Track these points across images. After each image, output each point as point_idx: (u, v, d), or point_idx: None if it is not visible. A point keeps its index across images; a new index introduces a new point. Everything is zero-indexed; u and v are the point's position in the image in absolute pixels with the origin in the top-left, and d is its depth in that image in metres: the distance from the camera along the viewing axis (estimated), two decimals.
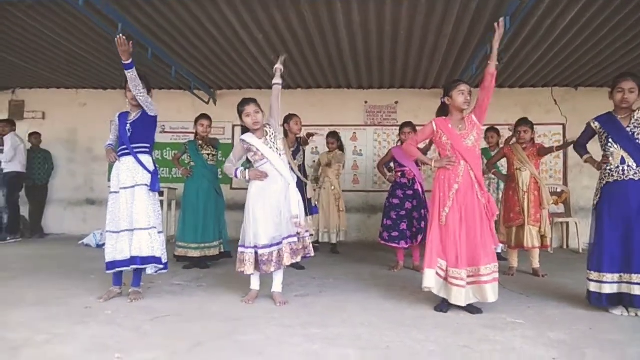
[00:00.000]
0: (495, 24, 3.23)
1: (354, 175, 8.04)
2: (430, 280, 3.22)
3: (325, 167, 6.18)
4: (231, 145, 7.96)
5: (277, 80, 3.54)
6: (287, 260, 3.34)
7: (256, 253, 3.38)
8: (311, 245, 3.53)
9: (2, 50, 6.25)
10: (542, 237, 4.70)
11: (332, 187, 6.22)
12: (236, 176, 3.52)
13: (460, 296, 3.14)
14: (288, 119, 5.10)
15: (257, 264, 3.37)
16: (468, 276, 3.17)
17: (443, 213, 3.26)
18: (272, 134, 3.48)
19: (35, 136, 7.90)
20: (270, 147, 3.45)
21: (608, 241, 3.23)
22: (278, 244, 3.37)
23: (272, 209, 3.38)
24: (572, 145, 4.11)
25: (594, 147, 3.55)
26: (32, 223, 7.83)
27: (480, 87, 3.25)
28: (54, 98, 8.46)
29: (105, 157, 3.69)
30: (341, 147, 6.35)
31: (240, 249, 3.44)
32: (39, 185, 7.89)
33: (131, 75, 3.32)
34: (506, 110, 7.29)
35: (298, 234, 3.41)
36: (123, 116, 3.61)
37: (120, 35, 3.13)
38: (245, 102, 3.48)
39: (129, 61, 3.26)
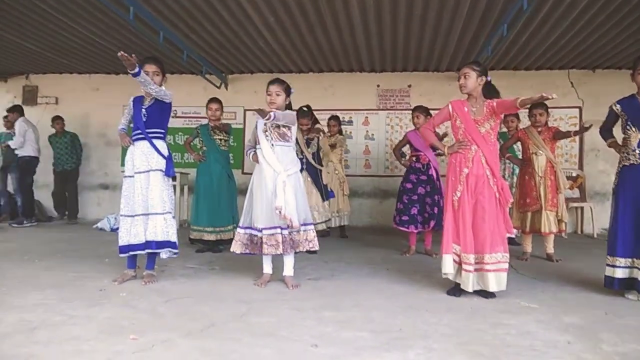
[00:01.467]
0: (549, 95, 2.79)
1: (366, 160, 8.00)
2: (449, 266, 3.20)
3: (329, 151, 6.13)
4: (242, 130, 7.96)
5: (266, 119, 3.28)
6: (280, 251, 3.37)
7: (250, 234, 3.49)
8: (316, 239, 3.51)
9: (16, 35, 6.28)
10: (559, 222, 4.65)
11: (336, 172, 6.18)
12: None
13: (467, 282, 3.12)
14: (299, 116, 5.02)
15: (253, 245, 3.48)
16: (475, 262, 3.15)
17: (455, 197, 3.24)
18: (277, 124, 3.44)
19: (57, 121, 7.78)
20: (266, 136, 3.45)
21: (622, 225, 3.21)
22: (275, 227, 3.38)
23: (266, 194, 3.40)
24: (589, 130, 4.02)
25: (618, 131, 3.48)
26: (63, 207, 7.85)
27: (504, 103, 3.16)
28: (67, 83, 8.50)
29: (118, 142, 3.71)
30: (341, 131, 6.36)
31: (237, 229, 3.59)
32: (68, 170, 7.80)
33: (140, 79, 3.30)
34: (521, 93, 7.01)
35: (289, 226, 3.35)
36: (138, 100, 3.61)
37: (122, 52, 3.13)
38: (271, 81, 3.52)
39: (135, 70, 3.23)
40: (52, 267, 3.99)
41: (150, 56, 3.70)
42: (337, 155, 6.18)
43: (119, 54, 3.11)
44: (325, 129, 6.22)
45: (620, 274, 3.17)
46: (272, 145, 3.44)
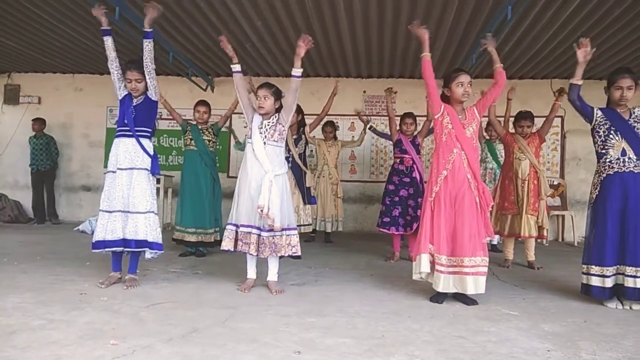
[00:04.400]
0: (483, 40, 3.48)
1: (351, 165, 8.02)
2: (425, 265, 3.22)
3: (327, 155, 6.19)
4: (228, 132, 7.92)
5: (297, 70, 3.43)
6: (253, 251, 3.36)
7: (237, 232, 3.46)
8: (298, 245, 3.49)
9: None
10: (540, 228, 4.70)
11: (331, 176, 6.23)
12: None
13: (438, 281, 3.16)
14: None
15: (238, 242, 3.44)
16: (452, 265, 3.19)
17: (430, 198, 3.29)
18: (273, 122, 3.47)
19: (35, 122, 7.81)
20: (261, 133, 3.44)
21: (610, 234, 3.21)
22: (252, 227, 3.38)
23: (249, 192, 3.40)
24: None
25: (587, 141, 3.53)
26: (41, 209, 7.80)
27: (494, 85, 3.33)
28: (50, 83, 8.38)
29: (102, 143, 3.64)
30: (336, 136, 6.48)
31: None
32: (42, 171, 7.82)
33: (149, 45, 3.48)
34: (505, 101, 7.25)
35: (270, 227, 3.33)
36: (127, 97, 3.58)
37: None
38: (260, 85, 3.51)
39: (150, 29, 3.46)
40: (31, 270, 3.93)
41: (130, 60, 3.64)
42: (333, 159, 6.23)
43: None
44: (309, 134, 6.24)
45: (609, 283, 3.19)
46: (265, 143, 3.43)
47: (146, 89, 3.56)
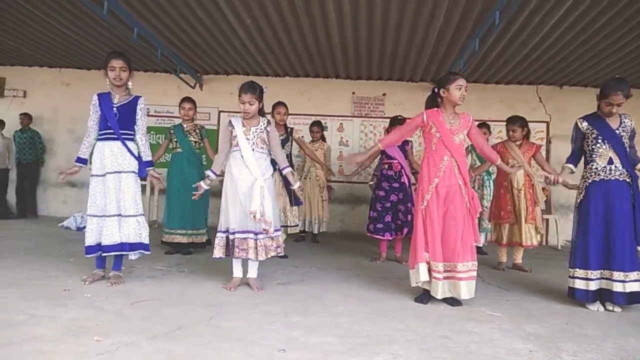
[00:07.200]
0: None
1: (340, 166, 8.03)
2: (424, 273, 3.21)
3: (314, 156, 6.18)
4: (216, 131, 7.89)
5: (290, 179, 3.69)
6: (253, 256, 3.37)
7: (228, 238, 3.45)
8: (282, 246, 3.53)
9: None
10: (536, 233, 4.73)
11: (317, 177, 6.23)
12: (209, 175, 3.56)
13: (437, 289, 3.18)
14: (273, 108, 5.06)
15: (228, 248, 3.44)
16: (445, 270, 3.21)
17: (422, 206, 3.29)
18: (260, 129, 3.48)
19: (22, 116, 7.82)
20: (247, 139, 3.44)
21: (593, 239, 3.26)
22: (248, 232, 3.38)
23: (239, 197, 3.40)
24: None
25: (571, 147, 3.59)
26: (22, 203, 7.79)
27: (491, 150, 3.67)
28: (37, 76, 8.27)
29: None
30: (323, 137, 6.47)
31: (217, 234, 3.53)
32: (24, 164, 7.81)
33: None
34: (491, 106, 7.37)
35: (265, 231, 3.36)
36: (105, 98, 3.47)
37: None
38: (243, 88, 3.45)
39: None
40: (14, 266, 3.88)
41: (116, 50, 3.58)
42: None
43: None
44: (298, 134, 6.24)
45: (593, 286, 3.24)
46: (253, 150, 3.44)
47: (128, 80, 3.48)
